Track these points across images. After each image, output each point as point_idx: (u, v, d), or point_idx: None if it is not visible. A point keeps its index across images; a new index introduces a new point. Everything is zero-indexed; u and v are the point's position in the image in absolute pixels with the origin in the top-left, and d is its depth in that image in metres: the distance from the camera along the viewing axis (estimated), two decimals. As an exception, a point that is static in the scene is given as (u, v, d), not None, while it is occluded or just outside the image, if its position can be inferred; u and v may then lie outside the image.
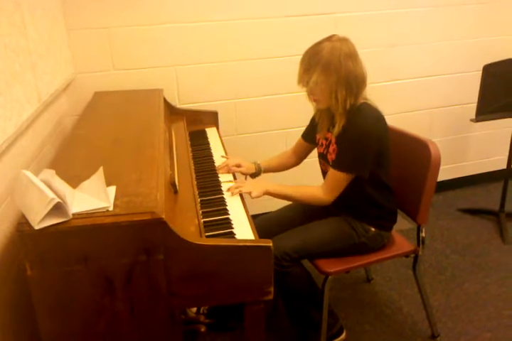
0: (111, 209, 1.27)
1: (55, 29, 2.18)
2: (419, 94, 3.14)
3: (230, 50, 2.64)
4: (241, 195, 1.78)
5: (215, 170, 2.00)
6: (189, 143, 2.20)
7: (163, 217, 1.24)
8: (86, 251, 1.25)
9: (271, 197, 1.87)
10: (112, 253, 1.27)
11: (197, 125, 2.51)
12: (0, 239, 1.45)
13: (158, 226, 1.25)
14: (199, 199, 1.72)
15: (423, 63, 3.07)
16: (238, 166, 2.04)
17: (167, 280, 1.32)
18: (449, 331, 2.16)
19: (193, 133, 2.40)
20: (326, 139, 1.92)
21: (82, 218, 1.24)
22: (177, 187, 1.63)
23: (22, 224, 1.21)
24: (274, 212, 2.13)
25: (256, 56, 2.70)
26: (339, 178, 1.81)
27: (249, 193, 1.79)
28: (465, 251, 2.77)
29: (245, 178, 2.13)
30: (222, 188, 1.84)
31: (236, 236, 1.50)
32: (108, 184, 1.35)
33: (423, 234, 1.98)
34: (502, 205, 3.02)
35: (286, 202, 2.04)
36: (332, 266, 1.86)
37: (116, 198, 1.31)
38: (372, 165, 1.80)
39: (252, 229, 1.55)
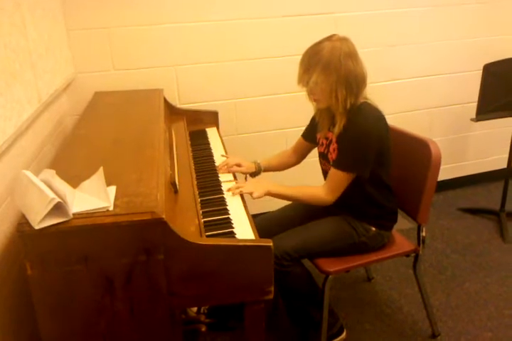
0: (111, 209, 1.27)
1: (55, 29, 2.18)
2: (419, 94, 3.14)
3: (229, 50, 2.64)
4: (241, 195, 1.78)
5: (215, 169, 2.00)
6: (189, 142, 2.20)
7: (164, 216, 1.25)
8: (86, 251, 1.25)
9: (271, 196, 1.87)
10: (112, 253, 1.27)
11: (197, 125, 2.51)
12: (0, 239, 1.45)
13: (158, 226, 1.25)
14: (199, 199, 1.72)
15: (423, 63, 3.06)
16: (238, 166, 2.04)
17: (167, 280, 1.32)
18: (450, 330, 2.16)
19: (194, 133, 2.40)
20: (327, 139, 1.92)
21: (83, 218, 1.24)
22: (177, 187, 1.63)
23: (22, 224, 1.21)
24: (274, 211, 2.13)
25: (256, 56, 2.70)
26: (340, 178, 1.81)
27: (251, 193, 1.79)
28: (465, 251, 2.77)
29: (245, 178, 2.13)
30: (222, 188, 1.84)
31: (236, 236, 1.50)
32: (108, 184, 1.35)
33: (423, 234, 1.98)
34: (502, 205, 3.02)
35: (287, 202, 2.04)
36: (332, 266, 1.86)
37: (116, 198, 1.31)
38: (372, 165, 1.80)
39: (252, 228, 1.55)
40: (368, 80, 1.78)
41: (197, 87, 2.66)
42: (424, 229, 1.98)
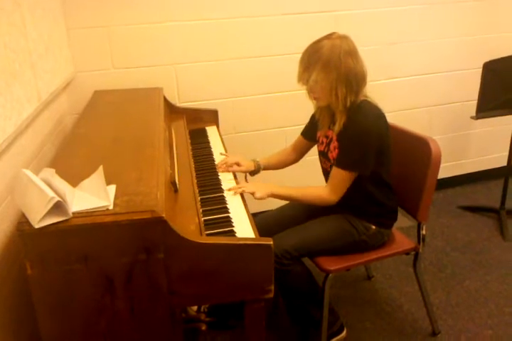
0: (111, 208, 1.27)
1: (54, 28, 2.18)
2: (418, 92, 3.13)
3: (229, 48, 2.64)
4: (241, 194, 1.78)
5: (215, 168, 2.00)
6: (189, 141, 2.20)
7: (164, 215, 1.25)
8: (86, 250, 1.25)
9: (275, 198, 1.87)
10: (112, 252, 1.27)
11: (197, 123, 2.50)
12: (0, 239, 1.45)
13: (158, 225, 1.25)
14: (199, 198, 1.72)
15: (422, 61, 3.06)
16: (238, 165, 2.04)
17: (167, 278, 1.32)
18: (450, 328, 2.16)
19: (193, 132, 2.40)
20: (327, 137, 1.92)
21: (82, 217, 1.24)
22: (177, 185, 1.63)
23: (22, 224, 1.21)
24: (274, 210, 2.13)
25: (255, 54, 2.70)
26: (343, 177, 1.81)
27: (253, 193, 1.79)
28: (465, 249, 2.77)
29: (245, 177, 2.13)
30: (222, 186, 1.84)
31: (236, 235, 1.50)
32: (108, 183, 1.35)
33: (423, 232, 1.98)
34: (502, 202, 3.02)
35: (286, 201, 2.04)
36: (332, 264, 1.86)
37: (116, 197, 1.31)
38: (373, 163, 1.80)
39: (252, 227, 1.55)
40: (368, 78, 1.78)
41: (197, 85, 2.65)
42: (424, 227, 1.98)
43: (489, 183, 3.51)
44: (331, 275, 1.86)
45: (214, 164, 2.04)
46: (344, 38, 1.74)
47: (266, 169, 2.14)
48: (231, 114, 2.77)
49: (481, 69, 2.59)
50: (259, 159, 2.13)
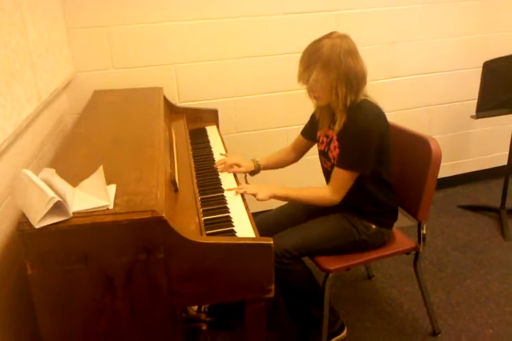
0: (111, 207, 1.27)
1: (54, 28, 2.18)
2: (418, 91, 3.13)
3: (229, 47, 2.64)
4: (242, 193, 1.78)
5: (215, 168, 2.00)
6: (189, 141, 2.20)
7: (164, 215, 1.25)
8: (86, 249, 1.25)
9: (277, 199, 1.87)
10: (112, 252, 1.27)
11: (197, 123, 2.50)
12: (0, 239, 1.45)
13: (158, 224, 1.25)
14: (199, 198, 1.72)
15: (423, 60, 3.06)
16: (237, 166, 2.03)
17: (167, 278, 1.32)
18: (450, 328, 2.16)
19: (193, 132, 2.40)
20: (327, 136, 1.92)
21: (83, 217, 1.24)
22: (177, 185, 1.63)
23: (22, 224, 1.21)
24: (274, 210, 2.13)
25: (256, 54, 2.70)
26: (344, 177, 1.81)
27: (255, 195, 1.79)
28: (466, 248, 2.76)
29: (245, 177, 2.12)
30: (222, 186, 1.84)
31: (237, 234, 1.50)
32: (108, 183, 1.35)
33: (424, 231, 1.98)
34: (503, 202, 3.02)
35: (287, 200, 2.04)
36: (333, 264, 1.86)
37: (116, 197, 1.31)
38: (373, 163, 1.80)
39: (252, 227, 1.55)
40: (368, 78, 1.78)
41: (197, 85, 2.65)
42: (424, 227, 1.98)
43: (489, 182, 3.51)
44: (331, 274, 1.86)
45: (214, 164, 2.04)
46: (344, 37, 1.74)
47: (266, 169, 2.14)
48: (232, 114, 2.77)
49: (481, 69, 2.59)
50: (259, 159, 2.13)
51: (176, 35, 2.53)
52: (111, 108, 2.18)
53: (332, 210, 1.93)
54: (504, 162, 3.00)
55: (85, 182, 1.37)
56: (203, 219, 1.57)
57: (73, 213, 1.24)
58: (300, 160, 2.22)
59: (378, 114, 1.80)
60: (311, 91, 1.81)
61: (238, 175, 2.00)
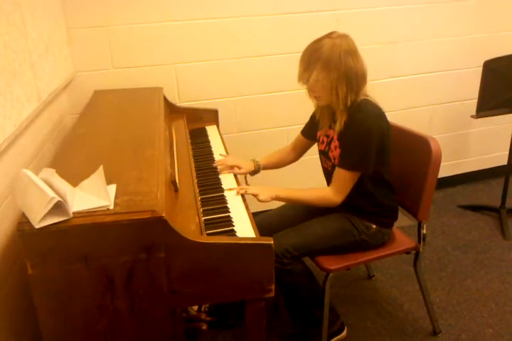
0: (111, 207, 1.27)
1: (54, 28, 2.18)
2: (419, 91, 3.13)
3: (229, 47, 2.64)
4: (243, 194, 1.78)
5: (215, 168, 2.00)
6: (189, 141, 2.20)
7: (164, 215, 1.25)
8: (87, 249, 1.25)
9: (279, 201, 1.86)
10: (112, 251, 1.27)
11: (197, 123, 2.50)
12: (1, 239, 1.45)
13: (158, 224, 1.25)
14: (200, 198, 1.72)
15: (423, 60, 3.06)
16: (238, 168, 2.03)
17: (168, 278, 1.32)
18: (451, 327, 2.16)
19: (194, 131, 2.40)
20: (328, 136, 1.92)
21: (83, 217, 1.24)
22: (177, 185, 1.63)
23: (22, 224, 1.21)
24: (274, 209, 2.13)
25: (256, 53, 2.70)
26: (346, 177, 1.81)
27: (256, 196, 1.79)
28: (466, 248, 2.77)
29: (245, 177, 2.12)
30: (222, 186, 1.84)
31: (237, 234, 1.50)
32: (108, 182, 1.35)
33: (424, 231, 1.98)
34: (503, 201, 3.02)
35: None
36: (333, 263, 1.86)
37: (116, 197, 1.31)
38: (374, 162, 1.80)
39: (252, 226, 1.55)
40: (368, 77, 1.78)
41: (197, 85, 2.65)
42: (424, 226, 1.98)
43: (490, 182, 3.51)
44: (331, 274, 1.86)
45: (214, 163, 2.04)
46: (344, 37, 1.74)
47: (265, 169, 2.14)
48: (232, 114, 2.76)
49: (481, 68, 2.59)
50: (259, 159, 2.13)
51: (176, 34, 2.53)
52: (111, 108, 2.18)
53: (332, 210, 1.93)
54: (504, 161, 3.00)
55: (85, 182, 1.37)
56: (203, 219, 1.57)
57: (73, 213, 1.24)
58: (300, 160, 2.22)
59: (379, 114, 1.80)
60: (311, 91, 1.81)
61: (238, 175, 2.00)
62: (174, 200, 1.56)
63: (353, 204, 1.89)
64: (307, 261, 1.92)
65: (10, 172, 1.54)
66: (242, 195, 1.77)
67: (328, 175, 1.97)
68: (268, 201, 1.81)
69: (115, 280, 1.30)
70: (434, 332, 2.12)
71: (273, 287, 1.41)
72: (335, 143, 1.86)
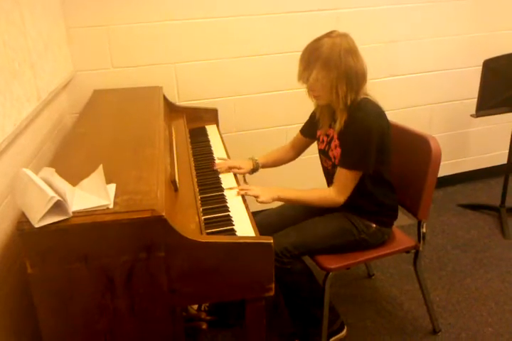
0: (111, 207, 1.27)
1: (54, 27, 2.17)
2: (418, 90, 3.13)
3: (229, 46, 2.64)
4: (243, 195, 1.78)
5: (214, 165, 2.00)
6: (189, 140, 2.20)
7: (164, 214, 1.25)
8: (86, 249, 1.25)
9: (281, 202, 1.86)
10: (112, 251, 1.27)
11: (197, 122, 2.50)
12: (0, 238, 1.45)
13: (158, 223, 1.25)
14: (199, 197, 1.72)
15: (423, 59, 3.06)
16: (238, 168, 2.02)
17: (168, 277, 1.32)
18: (450, 326, 2.16)
19: (193, 131, 2.40)
20: (327, 135, 1.92)
21: (83, 216, 1.24)
22: (177, 184, 1.63)
23: (22, 223, 1.21)
24: (274, 208, 2.13)
25: (256, 53, 2.69)
26: (348, 177, 1.81)
27: (257, 197, 1.78)
28: (466, 247, 2.77)
29: (244, 176, 2.12)
30: (222, 185, 1.84)
31: (237, 233, 1.50)
32: (108, 182, 1.35)
33: (424, 230, 1.98)
34: (503, 200, 3.02)
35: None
36: (333, 263, 1.86)
37: (116, 196, 1.31)
38: (374, 161, 1.80)
39: (252, 226, 1.55)
40: (368, 76, 1.78)
41: (196, 84, 2.65)
42: (424, 225, 1.98)
43: (489, 181, 3.51)
44: (331, 273, 1.86)
45: (214, 163, 2.04)
46: (344, 36, 1.74)
47: (264, 167, 2.14)
48: (232, 113, 2.76)
49: (481, 67, 2.58)
50: (258, 157, 2.12)
51: (176, 34, 2.52)
52: (111, 107, 2.18)
53: (332, 209, 1.93)
54: (504, 160, 3.00)
55: (85, 182, 1.37)
56: (203, 218, 1.57)
57: (73, 212, 1.24)
58: (300, 160, 2.22)
59: (379, 113, 1.80)
60: (311, 90, 1.80)
61: (237, 174, 2.00)
62: (174, 199, 1.56)
63: (353, 203, 1.89)
64: (307, 260, 1.92)
65: (10, 172, 1.54)
66: (242, 195, 1.77)
67: (328, 175, 1.97)
68: (269, 202, 1.81)
69: (115, 279, 1.30)
70: (434, 331, 2.13)
71: (273, 286, 1.41)
72: (335, 142, 1.86)
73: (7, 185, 1.52)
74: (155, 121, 1.92)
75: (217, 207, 1.67)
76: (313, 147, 2.08)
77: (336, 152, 1.86)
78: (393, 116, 1.98)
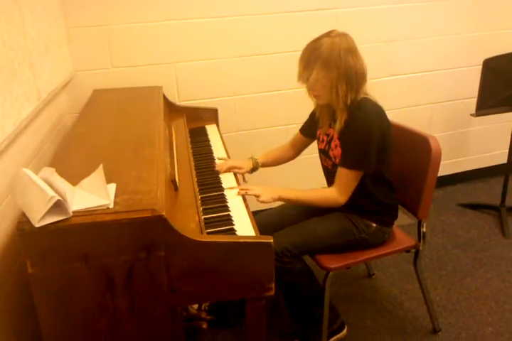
0: (111, 206, 1.27)
1: (54, 27, 2.17)
2: (418, 89, 3.13)
3: (229, 46, 2.64)
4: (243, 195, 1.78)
5: (215, 167, 2.00)
6: (189, 140, 2.20)
7: (164, 214, 1.24)
8: (86, 248, 1.25)
9: (283, 202, 1.86)
10: (112, 250, 1.27)
11: (197, 122, 2.50)
12: (1, 238, 1.45)
13: (158, 223, 1.25)
14: (199, 196, 1.72)
15: (423, 58, 3.06)
16: (238, 168, 2.02)
17: (168, 277, 1.32)
18: (451, 326, 2.16)
19: (193, 130, 2.40)
20: (328, 135, 1.92)
21: (83, 216, 1.24)
22: (177, 184, 1.63)
23: (22, 223, 1.21)
24: (274, 208, 2.13)
25: (256, 52, 2.69)
26: (349, 177, 1.81)
27: (258, 197, 1.78)
28: (466, 246, 2.77)
29: (243, 175, 2.12)
30: (222, 185, 1.84)
31: (237, 233, 1.50)
32: (108, 182, 1.35)
33: (424, 229, 1.98)
34: (503, 200, 3.02)
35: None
36: (333, 262, 1.86)
37: (116, 196, 1.31)
38: (375, 161, 1.80)
39: (252, 225, 1.55)
40: (368, 76, 1.78)
41: (196, 84, 2.65)
42: (424, 225, 1.98)
43: (489, 180, 3.51)
44: (331, 273, 1.86)
45: (214, 162, 2.04)
46: (344, 35, 1.74)
47: (264, 166, 2.14)
48: (232, 113, 2.76)
49: (481, 67, 2.58)
50: (257, 156, 2.12)
51: (176, 33, 2.52)
52: (110, 107, 2.18)
53: (332, 209, 1.93)
54: (504, 160, 3.00)
55: (85, 181, 1.37)
56: (203, 217, 1.57)
57: (73, 212, 1.24)
58: (299, 159, 2.22)
59: (379, 112, 1.80)
60: (311, 90, 1.80)
61: (237, 174, 2.00)
62: (174, 199, 1.56)
63: (353, 203, 1.88)
64: (307, 259, 1.92)
65: (10, 172, 1.54)
66: (243, 195, 1.77)
67: (329, 174, 1.97)
68: (270, 202, 1.80)
69: (115, 279, 1.30)
70: (434, 331, 2.13)
71: (273, 286, 1.41)
72: (335, 141, 1.86)
73: (7, 184, 1.52)
74: (155, 120, 1.92)
75: (218, 207, 1.67)
76: (313, 146, 2.08)
77: (336, 151, 1.85)
78: (393, 115, 1.98)
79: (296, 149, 2.17)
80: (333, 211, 1.94)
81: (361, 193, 1.87)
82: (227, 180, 1.90)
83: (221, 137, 2.36)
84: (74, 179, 1.37)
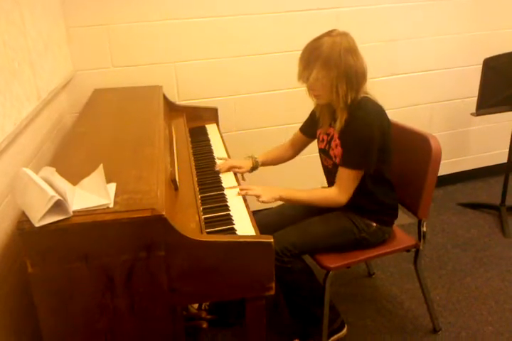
0: (111, 206, 1.27)
1: (54, 27, 2.17)
2: (419, 89, 3.13)
3: (229, 46, 2.63)
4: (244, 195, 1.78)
5: (215, 166, 2.00)
6: (189, 139, 2.20)
7: (164, 213, 1.24)
8: (87, 248, 1.25)
9: (283, 202, 1.86)
10: (112, 250, 1.27)
11: (197, 121, 2.50)
12: (1, 237, 1.45)
13: (158, 222, 1.25)
14: (200, 196, 1.72)
15: (423, 57, 3.06)
16: (238, 168, 2.02)
17: (168, 276, 1.32)
18: (451, 325, 2.16)
19: (193, 130, 2.40)
20: (328, 134, 1.92)
21: (83, 215, 1.24)
22: (177, 183, 1.63)
23: (22, 222, 1.21)
24: (274, 208, 2.13)
25: (256, 52, 2.69)
26: (350, 176, 1.81)
27: (258, 197, 1.78)
28: (466, 246, 2.77)
29: (242, 174, 2.12)
30: (222, 184, 1.84)
31: (237, 232, 1.50)
32: (108, 181, 1.35)
33: (424, 229, 1.98)
34: (503, 199, 3.02)
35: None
36: (333, 261, 1.86)
37: (116, 195, 1.31)
38: (376, 160, 1.80)
39: (252, 225, 1.55)
40: (368, 75, 1.78)
41: (196, 83, 2.65)
42: (424, 224, 1.98)
43: (489, 180, 3.51)
44: (331, 272, 1.86)
45: (214, 162, 2.04)
46: (344, 35, 1.74)
47: (264, 165, 2.14)
48: (232, 112, 2.76)
49: (481, 66, 2.58)
50: (257, 156, 2.12)
51: (176, 33, 2.52)
52: (110, 106, 2.18)
53: (332, 208, 1.93)
54: (504, 159, 3.00)
55: (85, 181, 1.37)
56: (203, 217, 1.57)
57: (73, 212, 1.24)
58: (299, 159, 2.22)
59: (379, 112, 1.80)
60: (311, 89, 1.80)
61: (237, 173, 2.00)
62: (174, 199, 1.56)
63: (353, 202, 1.88)
64: (307, 259, 1.92)
65: (10, 171, 1.54)
66: (243, 195, 1.77)
67: (329, 174, 1.97)
68: (271, 202, 1.80)
69: (115, 278, 1.30)
70: (434, 330, 2.13)
71: (273, 285, 1.41)
72: (335, 141, 1.85)
73: (7, 184, 1.52)
74: (155, 120, 1.92)
75: (218, 206, 1.67)
76: (313, 146, 2.08)
77: (336, 151, 1.85)
78: (393, 115, 1.98)
79: (296, 148, 2.17)
80: (333, 210, 1.94)
81: (361, 193, 1.87)
82: (227, 179, 1.90)
83: (221, 136, 2.36)
84: (74, 178, 1.37)
